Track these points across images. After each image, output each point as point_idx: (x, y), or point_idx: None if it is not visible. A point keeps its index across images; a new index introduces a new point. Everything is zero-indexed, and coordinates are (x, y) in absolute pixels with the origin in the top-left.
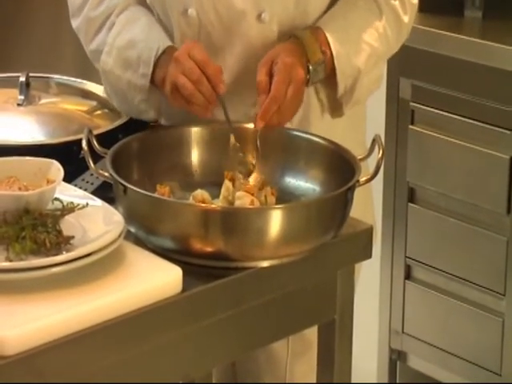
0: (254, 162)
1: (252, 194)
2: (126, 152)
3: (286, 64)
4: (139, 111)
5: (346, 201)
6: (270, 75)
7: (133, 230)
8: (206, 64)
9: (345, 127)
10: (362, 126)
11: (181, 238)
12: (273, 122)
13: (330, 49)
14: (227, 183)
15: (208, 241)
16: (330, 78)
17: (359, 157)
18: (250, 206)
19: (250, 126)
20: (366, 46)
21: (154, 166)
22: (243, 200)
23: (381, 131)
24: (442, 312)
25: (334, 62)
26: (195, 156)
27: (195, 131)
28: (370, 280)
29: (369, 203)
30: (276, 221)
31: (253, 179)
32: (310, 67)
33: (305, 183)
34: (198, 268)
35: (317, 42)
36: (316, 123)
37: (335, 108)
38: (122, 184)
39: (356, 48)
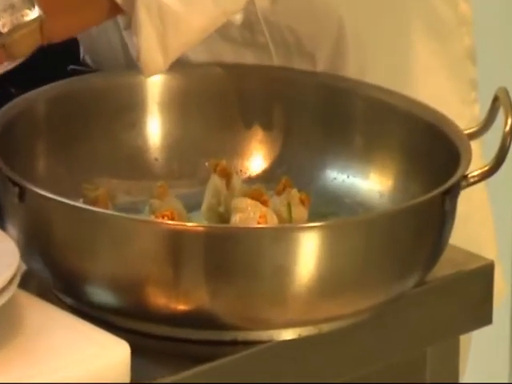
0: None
1: (263, 202)
2: (23, 122)
3: None
4: None
5: (441, 215)
6: None
7: (37, 269)
8: None
9: (435, 72)
10: (470, 70)
11: (129, 285)
12: None
13: None
14: (216, 181)
15: (181, 291)
16: None
17: (467, 130)
18: (260, 225)
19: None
20: None
21: (78, 150)
22: (246, 213)
23: (509, 82)
24: None
25: None
26: (155, 130)
27: (155, 82)
28: (490, 364)
29: (486, 220)
30: (309, 252)
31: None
32: None
33: (363, 182)
34: (162, 343)
35: None
36: (380, 62)
37: None
38: (15, 183)
39: None
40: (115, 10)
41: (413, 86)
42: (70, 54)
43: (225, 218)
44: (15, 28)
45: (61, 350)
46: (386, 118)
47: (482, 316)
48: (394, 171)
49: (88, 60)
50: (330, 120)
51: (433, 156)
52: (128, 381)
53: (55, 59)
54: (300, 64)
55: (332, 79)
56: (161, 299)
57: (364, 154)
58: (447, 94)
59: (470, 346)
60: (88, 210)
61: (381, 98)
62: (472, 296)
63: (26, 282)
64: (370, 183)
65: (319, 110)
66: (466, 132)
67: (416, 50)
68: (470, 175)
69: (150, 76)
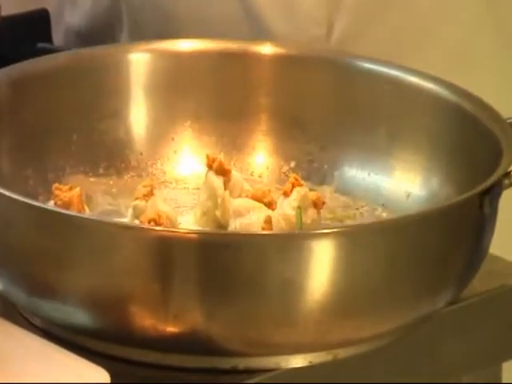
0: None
1: (268, 205)
2: None
3: None
4: None
5: (479, 219)
6: None
7: (1, 285)
8: None
9: (481, 54)
10: None
11: (110, 303)
12: None
13: None
14: (212, 180)
15: (171, 310)
16: None
17: (511, 119)
18: (265, 232)
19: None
20: None
21: (48, 143)
22: (248, 217)
23: None
24: None
25: None
26: (140, 119)
27: (141, 62)
28: None
29: None
30: (323, 263)
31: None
32: None
33: (387, 180)
34: (149, 371)
35: None
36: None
37: None
38: None
39: None
40: None
41: (450, 67)
42: (39, 29)
43: (222, 223)
44: None
45: (29, 379)
46: (414, 104)
47: None
48: (424, 168)
49: (83, 30)
50: (347, 107)
51: (470, 150)
52: None
53: (21, 35)
54: None
55: (349, 58)
56: (147, 320)
57: (388, 148)
58: (494, 81)
59: None
60: (60, 213)
61: (408, 80)
62: None
63: None
64: (395, 182)
65: (334, 96)
66: (510, 121)
67: (461, 25)
68: None
69: None
